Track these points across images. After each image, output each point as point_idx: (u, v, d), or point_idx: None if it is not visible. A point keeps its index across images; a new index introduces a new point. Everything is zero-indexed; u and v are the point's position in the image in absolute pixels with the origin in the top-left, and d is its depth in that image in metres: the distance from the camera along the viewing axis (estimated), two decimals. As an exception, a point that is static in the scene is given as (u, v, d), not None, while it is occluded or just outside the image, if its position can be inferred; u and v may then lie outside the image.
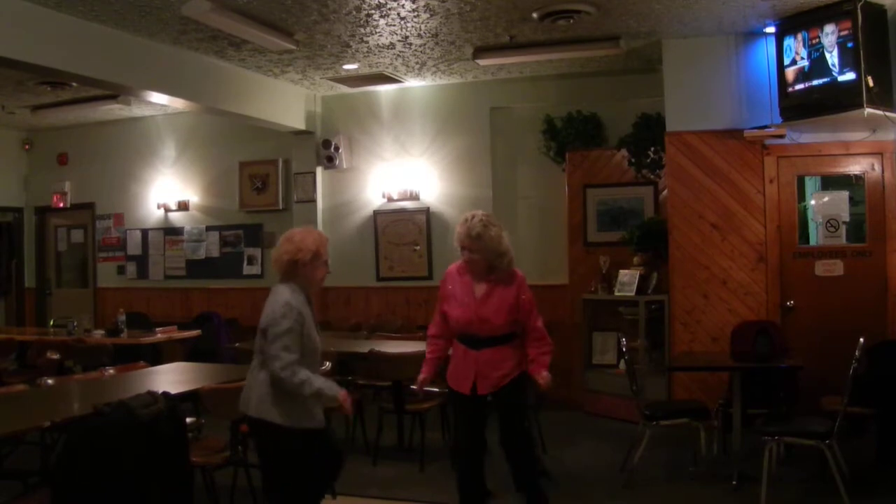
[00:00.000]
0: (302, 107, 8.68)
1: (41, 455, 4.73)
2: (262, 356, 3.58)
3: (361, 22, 6.16)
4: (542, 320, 4.31)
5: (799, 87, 6.04)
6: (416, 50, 7.04)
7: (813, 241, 6.74)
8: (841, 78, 5.71)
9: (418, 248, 8.53)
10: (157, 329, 7.54)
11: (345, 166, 8.79)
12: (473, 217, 4.18)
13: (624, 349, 5.73)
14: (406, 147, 8.66)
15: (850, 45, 5.62)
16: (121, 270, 10.14)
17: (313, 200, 8.90)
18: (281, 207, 9.16)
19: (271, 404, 3.52)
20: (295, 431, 3.53)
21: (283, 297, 3.54)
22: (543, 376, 4.17)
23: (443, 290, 4.37)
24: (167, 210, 9.81)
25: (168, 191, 9.79)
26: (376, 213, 8.78)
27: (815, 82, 5.90)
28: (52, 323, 8.89)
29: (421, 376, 4.36)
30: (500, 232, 4.18)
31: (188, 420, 4.26)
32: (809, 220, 6.84)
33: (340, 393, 3.55)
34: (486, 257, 4.15)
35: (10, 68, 6.01)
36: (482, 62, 7.23)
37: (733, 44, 6.62)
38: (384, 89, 8.62)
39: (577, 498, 5.06)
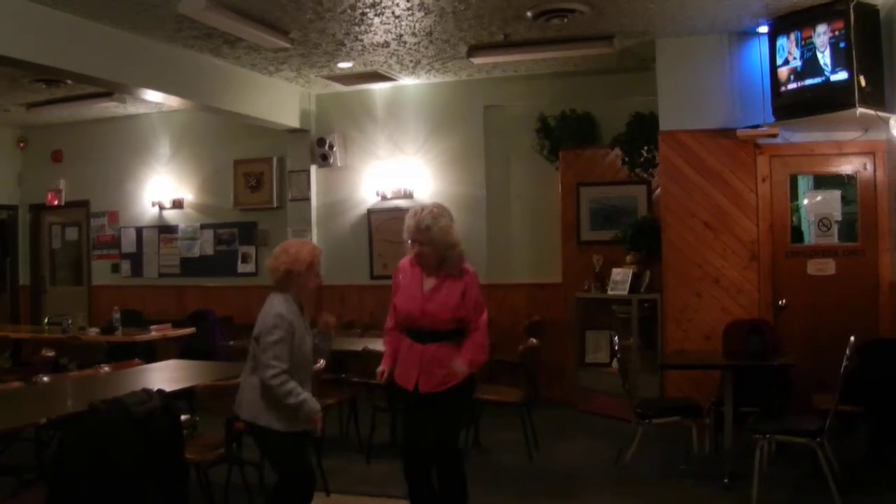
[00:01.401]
0: (296, 105, 8.68)
1: (36, 452, 4.72)
2: (254, 362, 3.71)
3: (356, 20, 6.17)
4: (486, 318, 4.16)
5: (791, 86, 6.06)
6: (410, 48, 7.05)
7: (805, 241, 6.78)
8: (833, 77, 5.73)
9: (412, 246, 8.52)
10: (152, 327, 7.54)
11: (339, 164, 8.80)
12: (423, 210, 4.10)
13: (617, 347, 5.76)
14: (400, 145, 8.67)
15: (842, 44, 5.64)
16: (115, 268, 10.12)
17: (307, 199, 8.90)
18: (275, 205, 9.16)
19: (263, 409, 3.66)
20: (286, 434, 3.67)
21: (275, 308, 3.67)
22: (458, 363, 4.00)
23: (394, 282, 4.28)
24: (162, 208, 9.80)
25: (162, 188, 9.78)
26: (370, 212, 8.79)
27: (807, 82, 5.93)
28: (46, 321, 8.86)
29: (380, 368, 4.21)
30: (449, 223, 4.09)
31: (183, 417, 4.27)
32: (802, 219, 6.87)
33: (318, 414, 3.71)
34: (436, 250, 4.06)
35: (4, 65, 5.99)
36: (476, 61, 7.24)
37: (726, 43, 6.64)
38: (378, 87, 8.63)
39: (570, 496, 5.08)
